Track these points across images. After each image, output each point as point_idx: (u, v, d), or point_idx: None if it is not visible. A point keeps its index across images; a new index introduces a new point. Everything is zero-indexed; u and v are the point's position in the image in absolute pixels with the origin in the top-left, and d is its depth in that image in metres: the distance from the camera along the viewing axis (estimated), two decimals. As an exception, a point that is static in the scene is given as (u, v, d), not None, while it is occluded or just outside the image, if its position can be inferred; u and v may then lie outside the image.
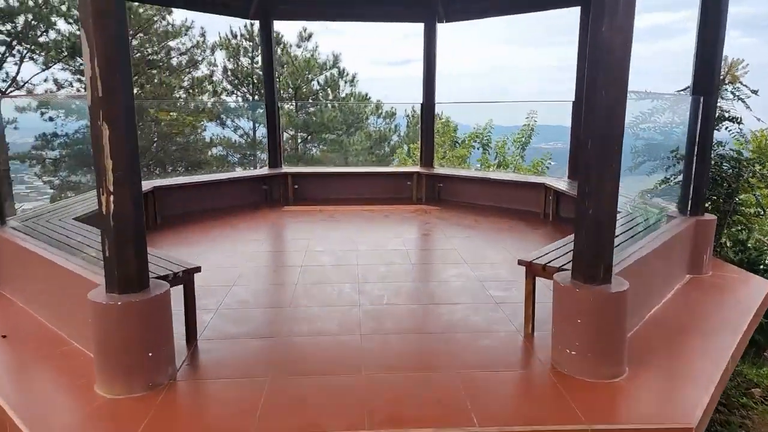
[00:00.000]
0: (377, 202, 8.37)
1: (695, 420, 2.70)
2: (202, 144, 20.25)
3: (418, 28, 8.89)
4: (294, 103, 21.08)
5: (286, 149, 20.23)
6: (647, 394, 2.97)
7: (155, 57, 19.41)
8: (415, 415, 2.77)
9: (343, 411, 2.80)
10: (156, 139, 18.98)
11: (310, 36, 21.54)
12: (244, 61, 21.39)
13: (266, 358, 3.44)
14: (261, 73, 10.06)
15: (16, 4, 16.13)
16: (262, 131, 17.87)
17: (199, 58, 20.57)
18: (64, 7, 16.66)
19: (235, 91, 21.85)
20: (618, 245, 3.84)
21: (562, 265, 3.49)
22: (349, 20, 9.62)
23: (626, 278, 3.22)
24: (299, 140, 21.49)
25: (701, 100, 4.79)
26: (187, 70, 20.40)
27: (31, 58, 17.23)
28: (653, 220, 4.89)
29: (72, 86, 17.92)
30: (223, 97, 21.64)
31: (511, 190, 8.09)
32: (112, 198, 2.87)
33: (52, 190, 17.04)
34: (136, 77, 18.16)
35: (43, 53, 17.10)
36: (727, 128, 6.07)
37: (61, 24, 16.92)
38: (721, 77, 5.68)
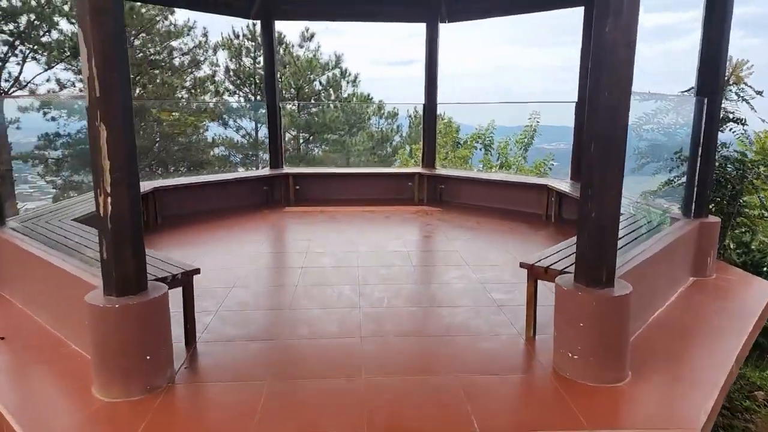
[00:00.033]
0: (378, 203, 8.34)
1: (699, 425, 2.67)
2: (204, 144, 20.26)
3: (422, 28, 8.86)
4: (296, 104, 21.07)
5: (288, 150, 20.24)
6: (650, 398, 2.94)
7: (157, 57, 19.43)
8: (415, 419, 2.74)
9: (343, 414, 2.78)
10: (158, 139, 19.00)
11: (312, 36, 21.59)
12: (246, 61, 21.40)
13: (266, 361, 3.41)
14: (263, 73, 10.05)
15: (19, 3, 16.15)
16: (264, 131, 17.83)
17: (202, 59, 20.62)
18: (66, 7, 16.65)
19: (237, 92, 21.88)
20: (621, 248, 3.79)
21: (565, 268, 3.46)
22: (350, 20, 9.61)
23: (629, 281, 3.19)
24: (301, 140, 21.49)
25: (705, 101, 4.75)
26: (190, 70, 20.42)
27: (34, 58, 17.25)
28: (657, 222, 4.85)
29: (74, 86, 17.96)
30: (225, 97, 21.65)
31: (513, 191, 8.05)
32: (109, 199, 2.85)
33: (54, 190, 17.06)
34: (139, 77, 18.19)
35: (45, 53, 17.12)
36: (731, 129, 6.04)
37: (64, 24, 16.94)
38: (726, 78, 5.64)
